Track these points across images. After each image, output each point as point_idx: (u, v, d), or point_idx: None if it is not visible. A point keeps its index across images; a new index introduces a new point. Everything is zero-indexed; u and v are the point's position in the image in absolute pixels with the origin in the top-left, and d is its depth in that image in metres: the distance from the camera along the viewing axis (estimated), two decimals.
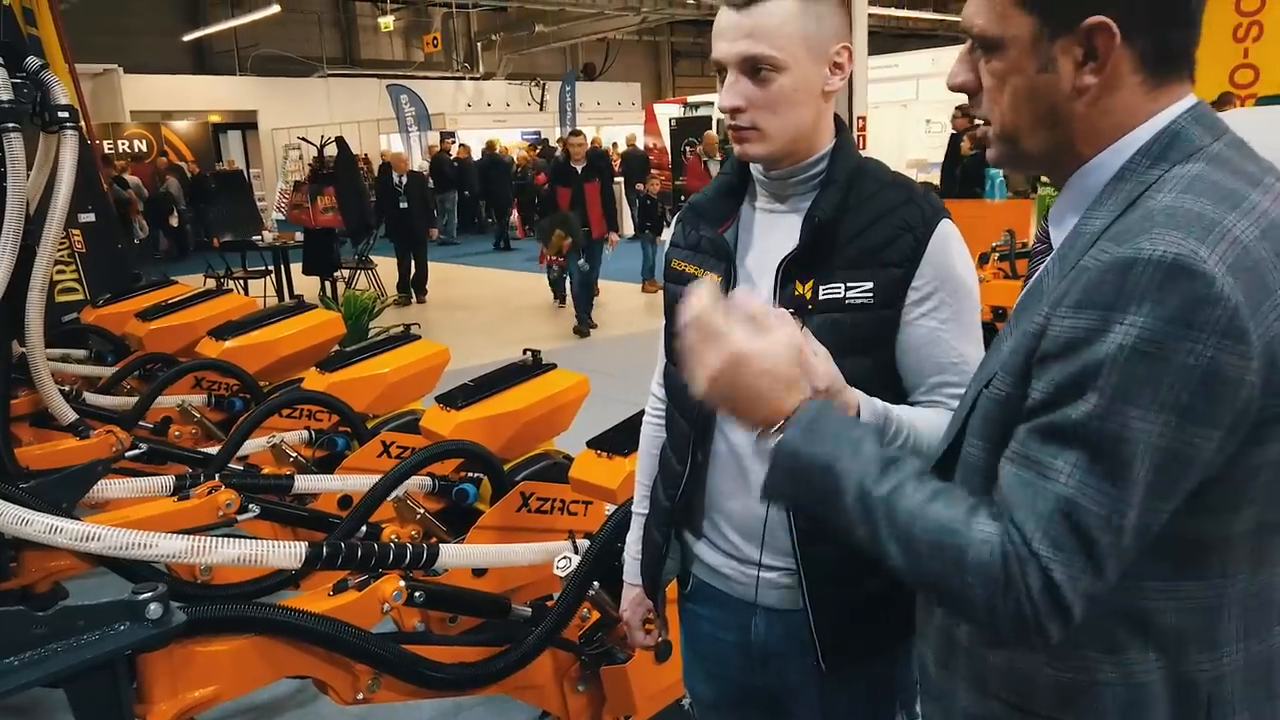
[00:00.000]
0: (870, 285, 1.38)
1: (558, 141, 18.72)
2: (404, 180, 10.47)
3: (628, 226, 12.71)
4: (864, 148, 8.50)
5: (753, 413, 1.05)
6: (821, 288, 1.39)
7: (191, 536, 1.76)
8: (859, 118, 8.35)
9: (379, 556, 1.84)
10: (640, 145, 15.16)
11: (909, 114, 15.16)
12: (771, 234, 1.47)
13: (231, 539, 1.80)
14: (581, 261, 8.76)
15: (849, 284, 1.38)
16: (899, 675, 1.55)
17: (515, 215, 16.39)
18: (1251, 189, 0.88)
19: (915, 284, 1.38)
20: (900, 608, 1.49)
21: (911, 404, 1.41)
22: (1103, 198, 0.94)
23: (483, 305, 10.43)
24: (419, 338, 3.61)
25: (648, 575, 1.69)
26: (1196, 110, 0.94)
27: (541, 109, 23.32)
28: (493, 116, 22.21)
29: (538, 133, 21.51)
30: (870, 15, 8.89)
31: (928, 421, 1.34)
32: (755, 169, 1.49)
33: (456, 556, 2.02)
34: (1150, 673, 0.94)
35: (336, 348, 4.19)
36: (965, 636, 1.05)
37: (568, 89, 20.66)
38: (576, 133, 9.18)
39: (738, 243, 1.49)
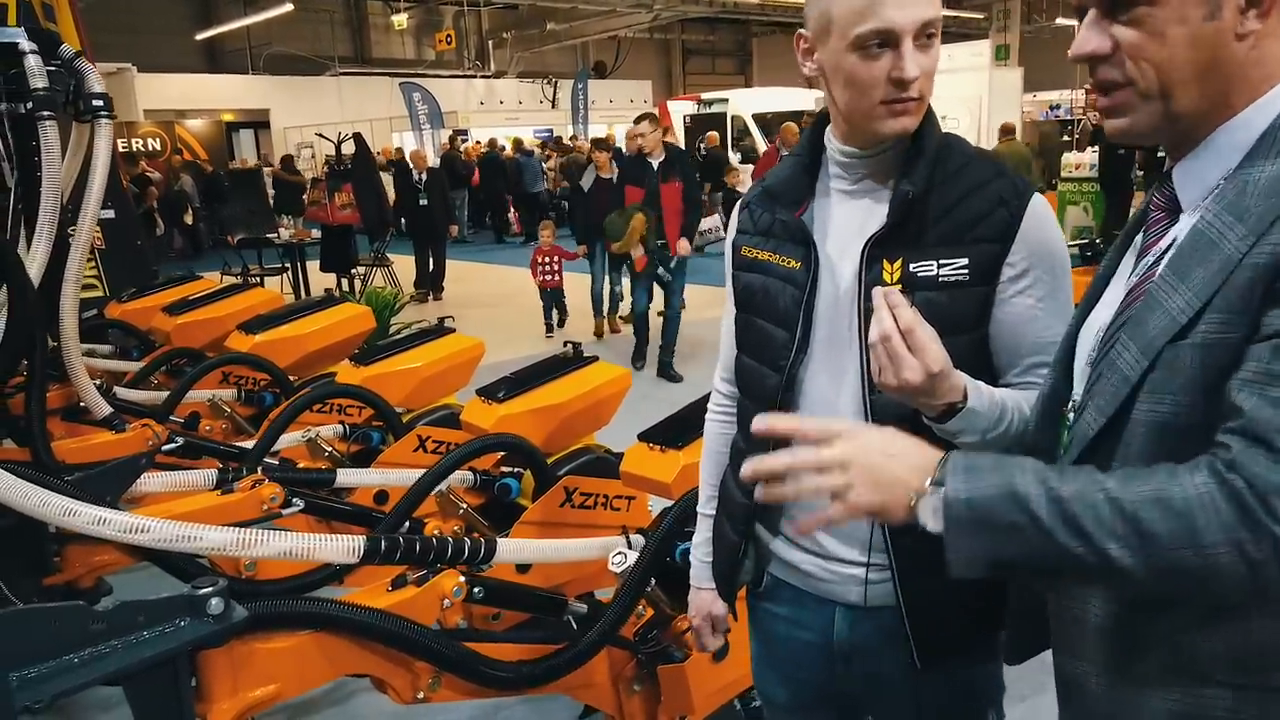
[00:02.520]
0: (965, 261, 1.32)
1: (570, 139, 18.69)
2: (424, 177, 10.43)
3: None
4: None
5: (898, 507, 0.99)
6: (911, 266, 1.33)
7: (240, 529, 1.70)
8: None
9: (437, 551, 1.78)
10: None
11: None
12: (851, 214, 1.41)
13: (282, 532, 1.75)
14: (663, 273, 7.06)
15: (941, 261, 1.32)
16: (991, 672, 1.49)
17: (513, 214, 16.31)
18: None
19: (1010, 260, 1.32)
20: (991, 600, 1.43)
21: (1004, 385, 1.35)
22: (1262, 149, 0.93)
23: (500, 302, 10.37)
24: (453, 330, 3.55)
25: (722, 578, 1.63)
26: None
27: (554, 107, 23.29)
28: (505, 114, 22.19)
29: (550, 130, 21.45)
30: None
31: (1028, 406, 1.28)
32: (834, 145, 1.43)
33: (513, 551, 1.97)
34: None
35: (365, 342, 4.14)
36: (1166, 625, 0.97)
37: (580, 86, 20.61)
38: (646, 117, 7.12)
39: (814, 225, 1.43)
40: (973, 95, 14.76)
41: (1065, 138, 16.70)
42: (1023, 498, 0.89)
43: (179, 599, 1.41)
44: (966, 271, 1.32)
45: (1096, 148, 11.39)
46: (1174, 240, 1.00)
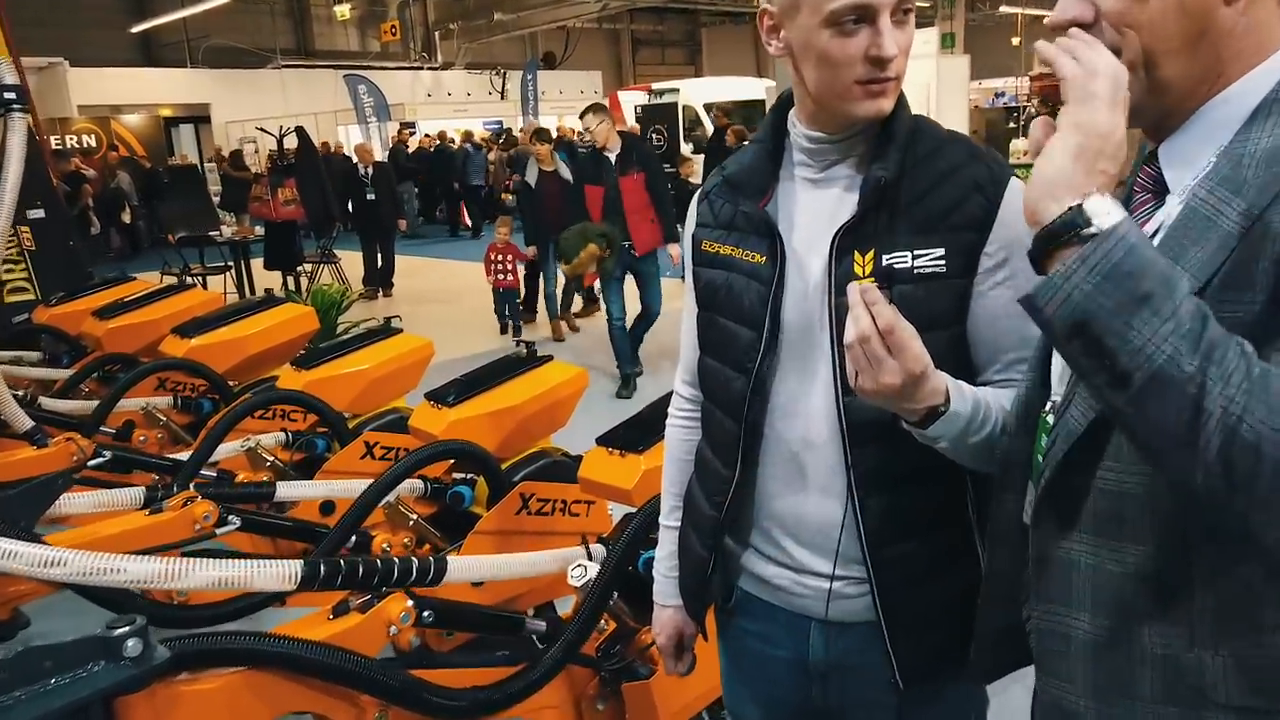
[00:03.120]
0: (941, 252, 1.23)
1: (520, 131, 18.45)
2: (370, 171, 10.19)
3: None
4: None
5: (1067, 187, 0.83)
6: (885, 257, 1.23)
7: (167, 558, 1.56)
8: None
9: (383, 574, 1.65)
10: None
11: None
12: (818, 204, 1.31)
13: (212, 559, 1.61)
14: (614, 305, 6.19)
15: (916, 251, 1.23)
16: (973, 688, 1.41)
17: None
18: None
19: (988, 250, 1.24)
20: (972, 613, 1.35)
21: (983, 383, 1.26)
22: (1257, 120, 0.87)
23: (452, 297, 10.18)
24: (400, 331, 3.41)
25: (690, 594, 1.53)
26: None
27: (503, 98, 23.02)
28: (453, 106, 21.85)
29: (499, 122, 21.19)
30: None
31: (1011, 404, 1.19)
32: (799, 130, 1.32)
33: (466, 569, 1.84)
34: None
35: (308, 344, 3.97)
36: (1161, 639, 0.88)
37: (529, 78, 20.38)
38: (592, 107, 6.36)
39: (778, 217, 1.33)
40: (921, 83, 14.81)
41: (1011, 125, 16.87)
42: (1180, 291, 0.76)
43: (89, 641, 1.26)
44: (943, 262, 1.23)
45: None
46: (1161, 224, 0.92)
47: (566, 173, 7.56)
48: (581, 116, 6.41)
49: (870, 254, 1.24)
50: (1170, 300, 0.75)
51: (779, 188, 1.35)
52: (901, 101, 1.27)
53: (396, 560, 1.69)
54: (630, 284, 6.31)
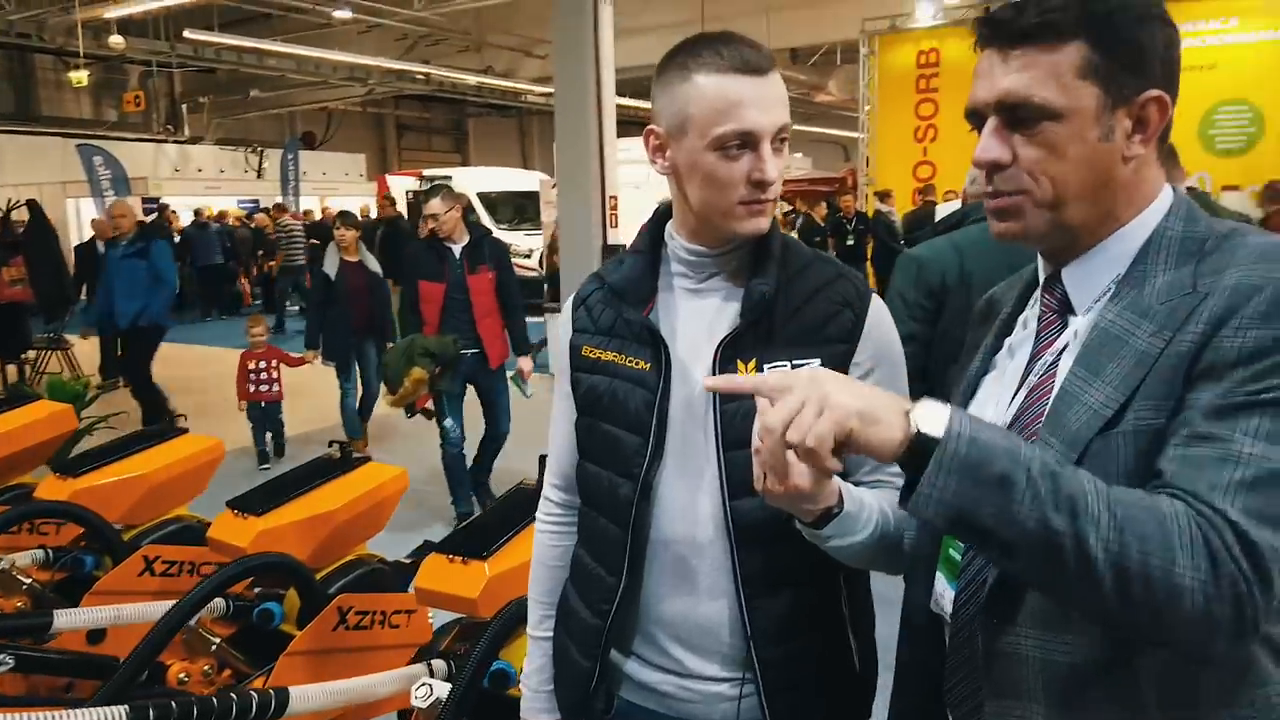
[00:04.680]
0: (818, 362, 1.31)
1: (275, 208, 17.63)
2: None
3: None
4: (615, 225, 8.73)
5: (888, 418, 0.89)
6: (766, 366, 1.30)
7: None
8: (611, 197, 8.56)
9: (220, 713, 1.48)
10: (374, 217, 14.45)
11: (641, 196, 15.86)
12: (699, 313, 1.37)
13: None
14: (449, 423, 5.15)
15: (795, 361, 1.31)
16: None
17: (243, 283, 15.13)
18: None
19: (857, 359, 1.34)
20: (856, 705, 1.40)
21: (855, 484, 1.33)
22: (1150, 253, 1.01)
23: (204, 388, 9.42)
24: (185, 431, 3.11)
25: (571, 710, 1.48)
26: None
27: (260, 176, 21.97)
28: (204, 183, 20.60)
29: (256, 201, 20.21)
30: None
31: (892, 505, 1.27)
32: (678, 242, 1.38)
33: (309, 699, 1.68)
34: None
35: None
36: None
37: (290, 157, 19.65)
38: (438, 189, 5.28)
39: (661, 325, 1.37)
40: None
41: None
42: (1025, 458, 0.86)
43: None
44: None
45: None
46: (1068, 341, 1.04)
47: (374, 265, 6.63)
48: (426, 199, 5.17)
49: (752, 363, 1.31)
50: (1022, 471, 0.85)
51: (659, 296, 1.40)
52: (773, 220, 1.37)
53: (234, 696, 1.52)
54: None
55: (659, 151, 1.34)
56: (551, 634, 1.53)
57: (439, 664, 1.98)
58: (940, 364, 2.41)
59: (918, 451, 0.87)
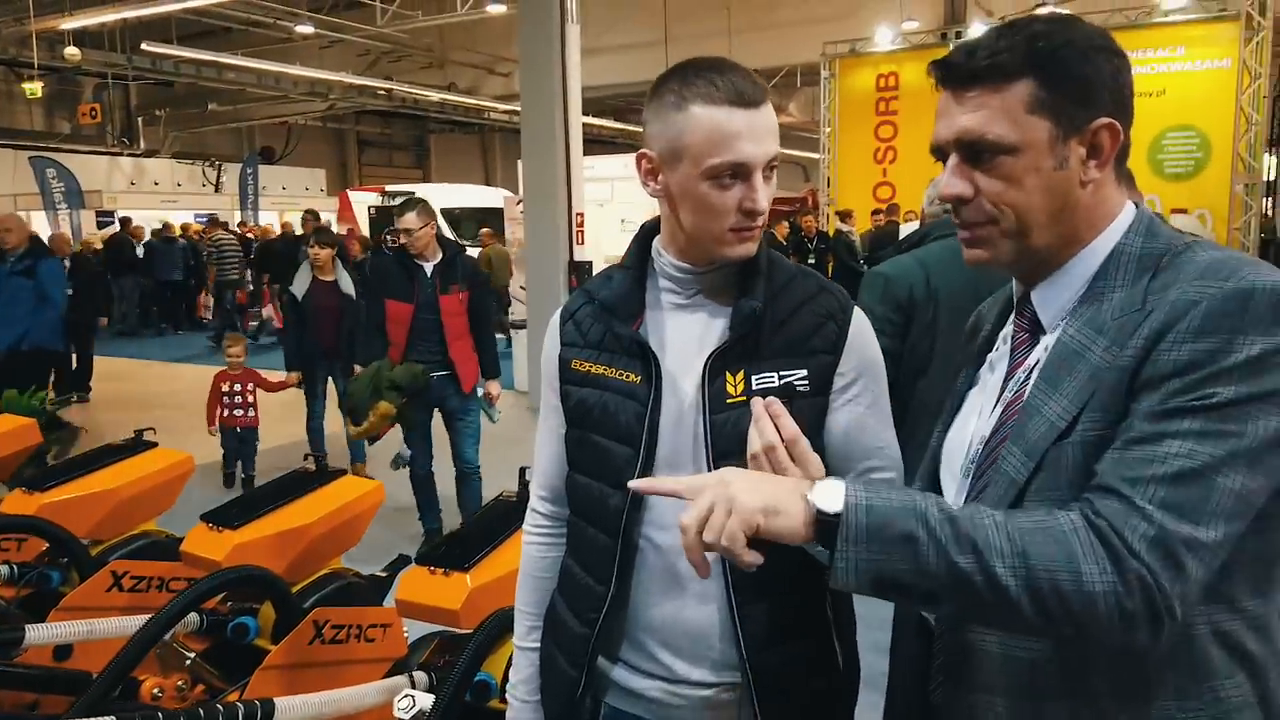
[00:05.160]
0: (805, 372, 1.36)
1: (239, 225, 17.41)
2: (67, 264, 9.17)
3: None
4: (582, 243, 8.76)
5: (790, 507, 0.98)
6: (754, 378, 1.34)
7: None
8: (577, 214, 8.60)
9: None
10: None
11: (605, 213, 15.93)
12: (687, 327, 1.40)
13: None
14: (404, 449, 4.96)
15: (782, 372, 1.35)
16: None
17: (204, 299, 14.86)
18: None
19: (841, 370, 1.39)
20: (841, 708, 1.43)
21: None
22: (1109, 271, 1.06)
23: (162, 403, 9.27)
24: (154, 445, 3.08)
25: (558, 718, 1.49)
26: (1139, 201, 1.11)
27: (217, 190, 21.70)
28: (161, 196, 20.30)
29: (214, 215, 19.96)
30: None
31: None
32: (666, 259, 1.42)
33: (294, 709, 1.68)
34: (1245, 692, 1.00)
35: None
36: None
37: (249, 171, 19.45)
38: (413, 202, 4.87)
39: (650, 339, 1.40)
40: (640, 204, 15.93)
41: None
42: (921, 511, 0.93)
43: None
44: (807, 382, 1.36)
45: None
46: (1038, 359, 1.09)
47: (348, 285, 6.16)
48: (400, 214, 4.77)
49: (740, 374, 1.35)
50: (921, 524, 0.92)
51: (647, 311, 1.43)
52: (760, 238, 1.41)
53: (221, 708, 1.51)
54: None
55: (651, 175, 1.37)
56: (539, 645, 1.54)
57: (420, 676, 1.98)
58: (909, 377, 2.49)
59: (825, 529, 0.95)
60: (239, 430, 6.15)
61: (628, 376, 1.38)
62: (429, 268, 4.74)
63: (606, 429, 1.39)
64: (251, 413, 6.14)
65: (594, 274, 1.55)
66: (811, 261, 11.89)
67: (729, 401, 1.34)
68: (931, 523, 0.92)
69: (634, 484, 1.13)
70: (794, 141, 23.69)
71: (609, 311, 1.42)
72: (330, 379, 6.27)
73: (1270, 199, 12.08)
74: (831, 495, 0.95)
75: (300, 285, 6.04)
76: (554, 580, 1.54)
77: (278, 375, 6.34)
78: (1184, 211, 10.27)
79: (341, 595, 2.54)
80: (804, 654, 1.39)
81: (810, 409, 1.36)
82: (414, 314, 4.68)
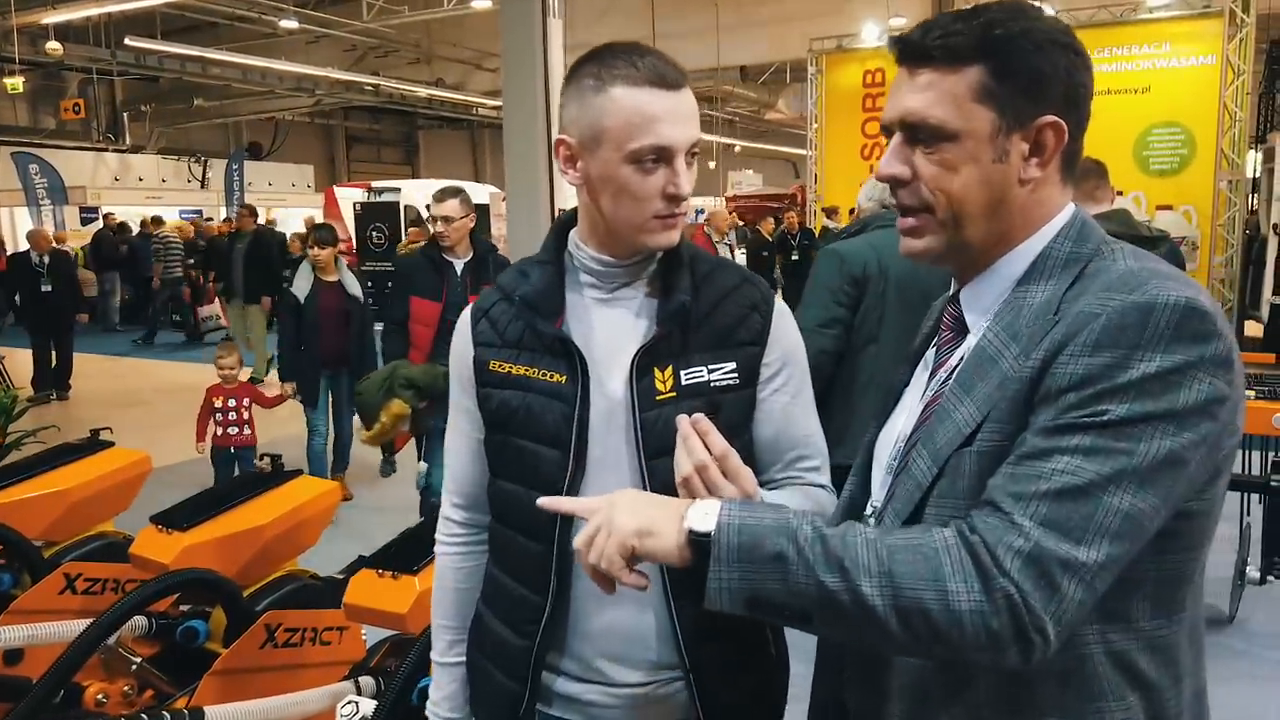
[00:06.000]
0: (733, 365, 1.34)
1: (224, 221, 17.26)
2: (46, 260, 9.09)
3: None
4: None
5: (665, 528, 0.97)
6: (683, 373, 1.32)
7: None
8: (559, 210, 8.54)
9: None
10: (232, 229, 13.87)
11: None
12: (610, 323, 1.36)
13: None
14: (423, 468, 4.66)
15: (710, 366, 1.33)
16: None
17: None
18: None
19: (767, 360, 1.37)
20: (776, 691, 1.47)
21: (767, 481, 1.37)
22: (1033, 275, 1.02)
23: (141, 401, 9.21)
24: (110, 444, 3.02)
25: None
26: (1078, 206, 1.08)
27: (204, 186, 21.57)
28: (145, 192, 20.14)
29: (199, 211, 19.84)
30: None
31: (805, 503, 1.33)
32: (586, 252, 1.37)
33: (227, 717, 1.63)
34: (1135, 717, 0.97)
35: None
36: None
37: (235, 167, 19.34)
38: (455, 190, 4.49)
39: (573, 336, 1.35)
40: None
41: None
42: (792, 530, 0.91)
43: None
44: (736, 375, 1.34)
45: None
46: (962, 358, 1.06)
47: (355, 287, 5.66)
48: (440, 199, 4.36)
49: (669, 370, 1.32)
50: (792, 544, 0.90)
51: (568, 308, 1.38)
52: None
53: (144, 716, 1.47)
54: None
55: (570, 162, 1.32)
56: (463, 659, 1.49)
57: (367, 681, 1.95)
58: (861, 343, 2.87)
59: (699, 549, 0.93)
60: (234, 451, 5.42)
61: (552, 376, 1.33)
62: (460, 265, 4.42)
63: (532, 432, 1.34)
64: (248, 431, 5.47)
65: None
66: (795, 258, 11.89)
67: (659, 398, 1.30)
68: (801, 541, 0.90)
69: (541, 502, 1.11)
70: (783, 138, 23.69)
71: (531, 308, 1.36)
72: (333, 392, 5.68)
73: (1254, 195, 12.08)
74: (706, 515, 0.94)
75: (301, 287, 5.49)
76: (474, 590, 1.49)
77: (273, 390, 5.80)
78: (1169, 208, 10.26)
79: (297, 598, 2.50)
80: (740, 646, 1.38)
81: (740, 401, 1.35)
82: (441, 314, 4.31)
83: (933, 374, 1.11)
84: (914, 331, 1.26)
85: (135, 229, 15.62)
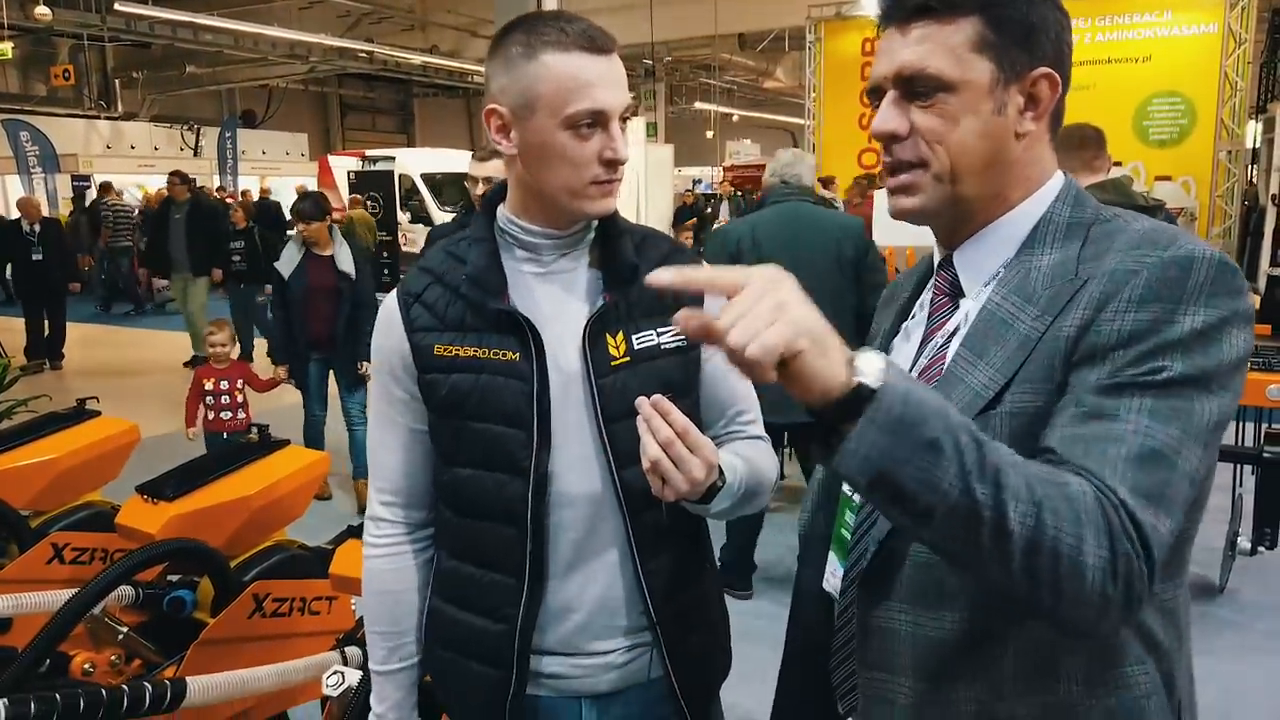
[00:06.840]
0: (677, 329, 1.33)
1: (217, 189, 17.14)
2: (37, 228, 9.02)
3: None
4: None
5: (835, 355, 0.80)
6: (634, 338, 1.33)
7: None
8: None
9: (109, 704, 1.41)
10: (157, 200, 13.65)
11: None
12: (553, 296, 1.35)
13: None
14: None
15: (659, 329, 1.34)
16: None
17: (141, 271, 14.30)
18: None
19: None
20: (728, 640, 1.52)
21: (713, 438, 1.35)
22: (1036, 240, 1.02)
23: (137, 370, 9.19)
24: (97, 414, 3.00)
25: None
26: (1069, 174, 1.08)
27: (196, 155, 21.40)
28: (138, 160, 19.98)
29: (193, 180, 19.66)
30: None
31: (750, 453, 1.35)
32: (520, 225, 1.34)
33: (209, 689, 1.62)
34: (1153, 679, 0.98)
35: None
36: (974, 696, 0.99)
37: (228, 135, 19.17)
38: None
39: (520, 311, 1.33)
40: (630, 169, 15.76)
41: (709, 209, 18.32)
42: (955, 423, 0.81)
43: None
44: (684, 337, 1.32)
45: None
46: (959, 324, 1.05)
47: (348, 263, 5.15)
48: (482, 158, 3.67)
49: (620, 335, 1.32)
50: (952, 437, 0.80)
51: (509, 285, 1.35)
52: None
53: (125, 687, 1.46)
54: None
55: (502, 131, 1.29)
56: (407, 664, 1.45)
57: (353, 651, 1.94)
58: None
59: (848, 402, 0.79)
60: (226, 436, 5.01)
61: (504, 355, 1.31)
62: None
63: (490, 414, 1.31)
64: (242, 414, 5.07)
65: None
66: None
67: (614, 365, 1.31)
68: (961, 440, 0.80)
69: (657, 277, 0.88)
70: (781, 107, 23.50)
71: (479, 286, 1.33)
72: (333, 372, 5.32)
73: (1254, 166, 12.01)
74: (872, 368, 0.80)
75: (287, 263, 5.13)
76: (410, 592, 1.44)
77: (268, 371, 5.46)
78: (1168, 179, 10.20)
79: (285, 568, 2.48)
80: (696, 597, 1.42)
81: (689, 364, 1.37)
82: None
83: (926, 339, 1.09)
84: None
85: (124, 196, 15.47)
